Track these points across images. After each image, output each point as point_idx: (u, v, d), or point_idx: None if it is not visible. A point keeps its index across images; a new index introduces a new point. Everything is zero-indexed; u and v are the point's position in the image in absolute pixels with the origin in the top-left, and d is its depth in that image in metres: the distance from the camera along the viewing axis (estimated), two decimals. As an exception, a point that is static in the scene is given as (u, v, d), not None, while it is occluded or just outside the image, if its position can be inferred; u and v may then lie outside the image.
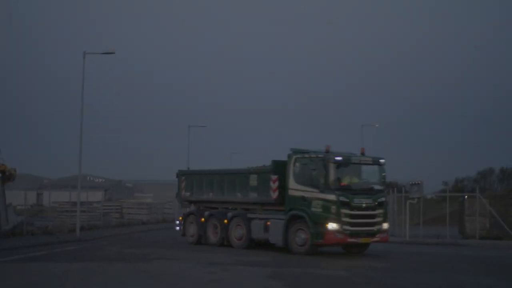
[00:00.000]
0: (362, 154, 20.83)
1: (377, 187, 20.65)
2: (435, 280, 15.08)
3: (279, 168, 21.32)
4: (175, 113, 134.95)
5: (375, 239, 20.28)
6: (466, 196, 32.16)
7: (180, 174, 26.24)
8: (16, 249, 21.23)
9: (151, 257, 19.14)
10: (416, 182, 29.55)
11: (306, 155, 20.56)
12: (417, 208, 31.49)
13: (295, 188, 20.62)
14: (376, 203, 20.06)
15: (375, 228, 20.11)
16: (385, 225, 20.55)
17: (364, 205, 19.81)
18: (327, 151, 20.11)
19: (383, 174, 20.92)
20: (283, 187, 21.11)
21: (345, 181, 20.06)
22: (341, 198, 19.44)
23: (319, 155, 20.09)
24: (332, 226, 19.43)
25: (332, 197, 19.54)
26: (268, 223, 21.56)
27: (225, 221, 23.10)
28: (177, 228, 25.91)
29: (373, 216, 20.06)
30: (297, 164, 20.72)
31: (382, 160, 20.79)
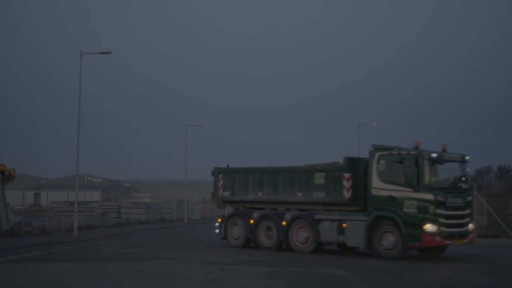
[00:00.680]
0: (444, 150, 19.41)
1: (463, 185, 19.67)
2: (432, 279, 15.11)
3: (352, 165, 20.09)
4: (173, 113, 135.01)
5: (465, 240, 19.28)
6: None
7: (217, 172, 24.02)
8: (14, 249, 21.21)
9: (148, 256, 19.14)
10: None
11: (394, 152, 19.20)
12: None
13: (380, 187, 19.20)
14: (465, 202, 19.16)
15: (464, 229, 19.15)
16: (472, 226, 19.60)
17: (457, 204, 18.81)
18: (416, 148, 18.89)
19: (467, 171, 20.01)
20: (356, 185, 19.89)
21: (433, 179, 18.94)
22: (438, 198, 18.27)
23: (412, 152, 18.75)
24: (430, 227, 18.12)
25: (429, 196, 18.32)
26: (344, 225, 19.82)
27: (283, 223, 21.24)
28: (217, 230, 23.70)
29: (463, 216, 19.11)
30: (382, 161, 19.29)
31: (467, 157, 19.75)
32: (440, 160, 18.82)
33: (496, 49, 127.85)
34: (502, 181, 74.02)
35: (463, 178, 19.78)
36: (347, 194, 19.93)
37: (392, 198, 18.89)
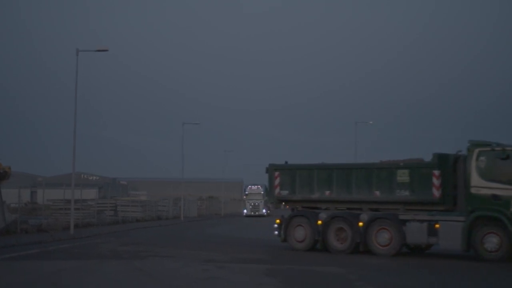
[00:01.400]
0: None
1: None
2: (430, 277, 15.15)
3: (441, 162, 18.91)
4: (172, 113, 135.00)
5: None
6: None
7: (273, 169, 22.02)
8: (10, 247, 21.18)
9: (145, 254, 19.14)
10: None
11: (496, 148, 18.04)
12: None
13: (481, 185, 17.99)
14: None
15: None
16: None
17: None
18: None
19: None
20: (445, 184, 18.73)
21: None
22: None
23: None
24: None
25: None
26: (437, 225, 18.52)
27: (360, 223, 19.66)
28: (276, 232, 21.72)
29: None
30: (482, 158, 18.06)
31: None
32: None
33: (496, 49, 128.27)
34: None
35: None
36: (437, 193, 18.64)
37: (496, 197, 17.72)
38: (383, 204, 19.93)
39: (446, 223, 18.45)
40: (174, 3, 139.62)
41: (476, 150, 18.16)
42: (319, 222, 20.47)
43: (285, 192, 21.65)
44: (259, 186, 70.85)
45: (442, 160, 18.91)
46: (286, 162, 22.61)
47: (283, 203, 22.10)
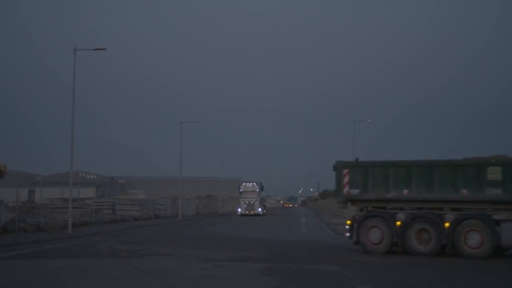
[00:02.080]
0: None
1: None
2: (427, 275, 15.17)
3: None
4: (172, 113, 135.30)
5: None
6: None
7: (341, 167, 20.71)
8: (8, 246, 21.17)
9: (143, 253, 19.14)
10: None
11: None
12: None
13: None
14: None
15: None
16: None
17: None
18: None
19: None
20: None
21: None
22: None
23: None
24: None
25: None
26: None
27: (446, 224, 18.56)
28: (347, 234, 20.46)
29: None
30: None
31: None
32: None
33: (496, 49, 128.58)
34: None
35: None
36: None
37: None
38: (469, 203, 18.82)
39: None
40: (174, 3, 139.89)
41: None
42: (398, 223, 19.28)
43: (355, 191, 20.34)
44: (254, 183, 67.59)
45: None
46: (357, 159, 21.61)
47: (349, 202, 20.73)
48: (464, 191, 18.68)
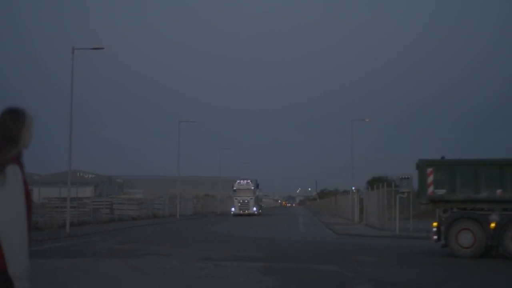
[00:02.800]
0: None
1: None
2: (425, 274, 15.15)
3: None
4: (172, 113, 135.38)
5: None
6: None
7: (425, 165, 19.63)
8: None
9: (142, 253, 19.09)
10: (406, 177, 29.65)
11: None
12: (407, 202, 31.63)
13: None
14: None
15: None
16: None
17: None
18: None
19: None
20: None
21: None
22: None
23: None
24: None
25: None
26: None
27: None
28: (434, 237, 19.12)
29: None
30: None
31: None
32: None
33: (496, 49, 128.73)
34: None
35: None
36: None
37: None
38: None
39: None
40: (174, 3, 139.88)
41: None
42: (492, 225, 18.09)
43: (441, 191, 19.11)
44: (249, 181, 63.06)
45: None
46: (442, 157, 20.30)
47: (439, 204, 19.43)
48: None
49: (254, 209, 61.22)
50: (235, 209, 61.68)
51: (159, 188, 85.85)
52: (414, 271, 15.72)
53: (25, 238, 3.79)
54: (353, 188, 51.66)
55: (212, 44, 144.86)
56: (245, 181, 63.20)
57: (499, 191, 18.35)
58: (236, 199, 62.18)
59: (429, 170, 19.36)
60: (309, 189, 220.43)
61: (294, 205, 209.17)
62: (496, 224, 18.01)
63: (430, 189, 19.22)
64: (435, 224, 19.21)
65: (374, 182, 48.33)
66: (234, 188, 63.13)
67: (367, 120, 59.22)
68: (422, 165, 19.56)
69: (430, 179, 19.30)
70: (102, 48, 30.31)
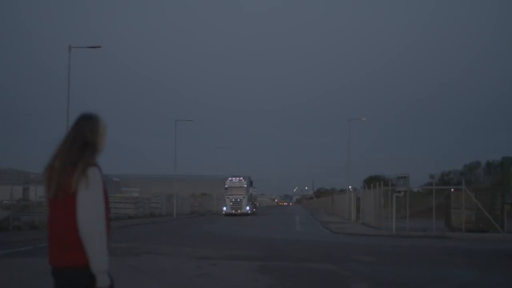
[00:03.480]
0: None
1: None
2: (421, 273, 15.18)
3: None
4: (173, 113, 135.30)
5: None
6: (452, 189, 32.41)
7: (510, 163, 18.74)
8: (2, 244, 21.08)
9: (139, 251, 19.09)
10: (403, 175, 29.73)
11: None
12: (404, 201, 31.71)
13: None
14: None
15: None
16: None
17: None
18: None
19: None
20: None
21: None
22: None
23: None
24: None
25: None
26: None
27: None
28: None
29: None
30: None
31: None
32: None
33: (496, 49, 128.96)
34: (490, 176, 74.57)
35: None
36: None
37: None
38: None
39: None
40: (174, 3, 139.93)
41: None
42: None
43: None
44: (241, 178, 58.71)
45: None
46: None
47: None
48: None
49: (247, 208, 57.36)
50: (226, 208, 57.76)
51: (156, 187, 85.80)
52: (411, 270, 15.75)
53: (104, 236, 4.06)
54: (349, 187, 51.76)
55: (212, 44, 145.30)
56: (238, 178, 58.96)
57: None
58: (227, 197, 58.11)
59: None
60: (306, 188, 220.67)
61: (291, 204, 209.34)
62: None
63: None
64: None
65: (371, 181, 48.41)
66: (226, 185, 59.26)
67: (363, 119, 59.32)
68: (506, 164, 18.14)
69: None
70: (99, 47, 30.30)
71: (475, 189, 30.70)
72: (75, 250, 3.99)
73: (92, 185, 4.00)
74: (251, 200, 60.73)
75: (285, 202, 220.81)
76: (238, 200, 57.07)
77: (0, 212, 28.73)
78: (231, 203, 57.25)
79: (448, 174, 78.74)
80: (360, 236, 28.31)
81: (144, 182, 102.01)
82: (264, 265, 15.79)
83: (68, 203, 3.97)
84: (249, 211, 57.17)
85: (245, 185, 57.98)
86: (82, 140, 4.17)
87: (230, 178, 59.53)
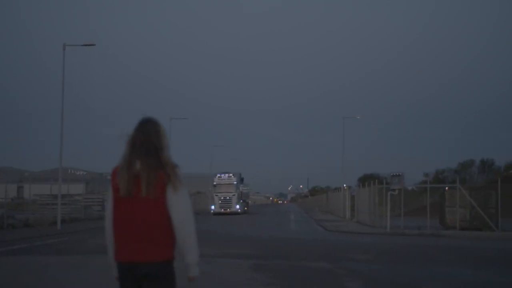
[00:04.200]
0: None
1: None
2: (416, 271, 15.21)
3: None
4: (173, 113, 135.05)
5: None
6: (446, 188, 32.49)
7: None
8: (-3, 242, 21.02)
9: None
10: (397, 174, 29.78)
11: None
12: (398, 200, 31.77)
13: None
14: None
15: None
16: None
17: None
18: None
19: None
20: None
21: None
22: None
23: None
24: None
25: None
26: None
27: None
28: None
29: None
30: None
31: None
32: None
33: (496, 49, 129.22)
34: (485, 174, 74.83)
35: None
36: None
37: None
38: None
39: None
40: (174, 3, 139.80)
41: None
42: None
43: None
44: (231, 175, 54.43)
45: None
46: None
47: None
48: None
49: (237, 207, 53.24)
50: (215, 207, 54.03)
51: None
52: (406, 268, 15.77)
53: (195, 231, 4.43)
54: (344, 185, 51.81)
55: (212, 44, 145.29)
56: (227, 175, 54.55)
57: None
58: (216, 195, 54.20)
59: None
60: (301, 186, 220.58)
61: (285, 202, 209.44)
62: None
63: None
64: None
65: (366, 180, 48.45)
66: (214, 183, 55.16)
67: (358, 117, 59.41)
68: None
69: None
70: (94, 45, 30.24)
71: (470, 187, 30.80)
72: (165, 246, 4.30)
73: (184, 185, 4.27)
74: (242, 198, 56.88)
75: (279, 200, 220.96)
76: (227, 198, 53.22)
77: (-6, 210, 28.67)
78: (220, 202, 53.46)
79: (442, 173, 78.94)
80: (354, 234, 28.33)
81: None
82: (259, 263, 15.78)
83: (157, 202, 4.19)
84: (239, 210, 53.25)
85: (235, 182, 53.74)
86: (156, 142, 4.29)
87: (218, 175, 55.19)
